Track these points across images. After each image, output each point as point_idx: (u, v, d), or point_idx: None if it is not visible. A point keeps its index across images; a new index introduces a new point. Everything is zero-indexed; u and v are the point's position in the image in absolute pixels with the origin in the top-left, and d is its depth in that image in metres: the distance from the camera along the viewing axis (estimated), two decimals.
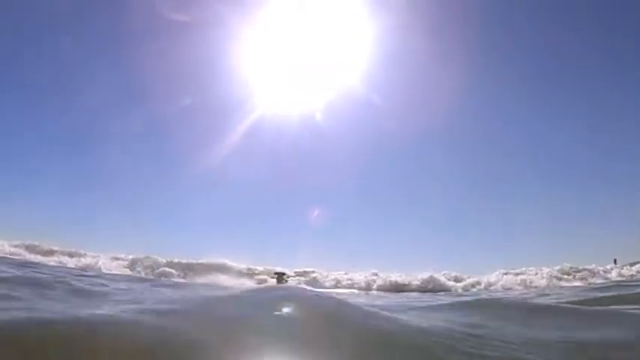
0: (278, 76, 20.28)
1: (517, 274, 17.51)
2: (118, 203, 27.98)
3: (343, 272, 19.25)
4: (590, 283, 15.64)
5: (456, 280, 18.00)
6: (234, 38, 20.11)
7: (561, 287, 14.55)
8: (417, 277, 17.83)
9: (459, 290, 16.10)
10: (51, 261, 16.35)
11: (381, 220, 29.41)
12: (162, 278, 15.77)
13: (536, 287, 15.98)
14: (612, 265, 19.36)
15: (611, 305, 5.44)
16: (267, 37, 19.59)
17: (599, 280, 17.00)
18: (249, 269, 20.31)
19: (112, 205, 27.12)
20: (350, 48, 19.77)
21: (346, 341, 2.61)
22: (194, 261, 19.34)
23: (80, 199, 27.11)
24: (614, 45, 24.14)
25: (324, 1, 19.21)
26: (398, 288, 16.74)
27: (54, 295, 5.00)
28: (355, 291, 16.61)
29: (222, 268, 18.57)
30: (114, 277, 11.11)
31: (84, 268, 14.80)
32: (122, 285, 8.13)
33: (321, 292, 5.05)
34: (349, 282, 18.07)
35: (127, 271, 17.56)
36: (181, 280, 16.47)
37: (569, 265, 18.09)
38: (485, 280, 17.04)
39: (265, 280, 18.87)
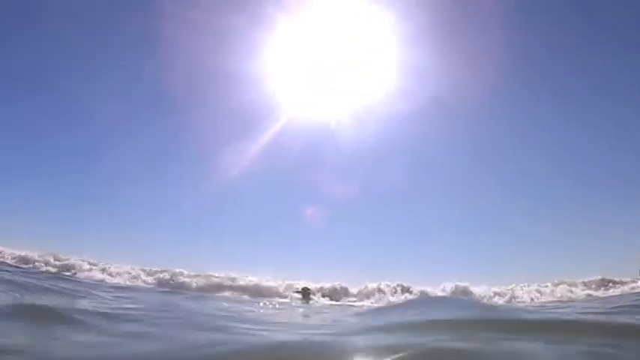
0: (304, 84, 20.41)
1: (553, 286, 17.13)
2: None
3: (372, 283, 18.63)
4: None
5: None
6: (259, 45, 20.41)
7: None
8: (445, 288, 17.51)
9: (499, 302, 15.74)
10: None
11: (403, 231, 28.67)
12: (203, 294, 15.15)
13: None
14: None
15: None
16: (290, 44, 19.96)
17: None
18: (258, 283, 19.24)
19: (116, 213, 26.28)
20: (373, 53, 20.05)
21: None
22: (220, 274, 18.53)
23: (94, 208, 26.23)
24: None
25: (349, 9, 19.48)
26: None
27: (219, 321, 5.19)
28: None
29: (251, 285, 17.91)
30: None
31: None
32: (246, 307, 9.29)
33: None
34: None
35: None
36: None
37: (599, 276, 17.90)
38: (522, 293, 16.66)
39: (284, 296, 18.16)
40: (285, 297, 17.39)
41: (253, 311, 8.60)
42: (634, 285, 17.87)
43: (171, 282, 17.73)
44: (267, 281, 18.35)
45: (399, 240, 28.62)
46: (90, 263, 18.36)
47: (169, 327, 4.39)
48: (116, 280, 16.95)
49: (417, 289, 17.82)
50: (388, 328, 4.00)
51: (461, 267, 24.69)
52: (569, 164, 26.14)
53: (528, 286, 18.15)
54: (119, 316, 5.08)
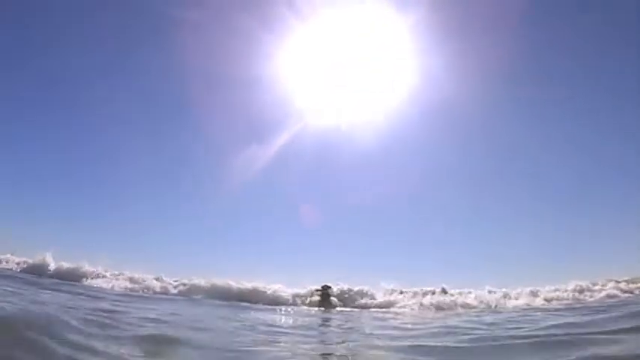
0: (318, 87, 20.08)
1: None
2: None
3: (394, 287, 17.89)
4: None
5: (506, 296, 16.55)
6: (273, 49, 20.45)
7: None
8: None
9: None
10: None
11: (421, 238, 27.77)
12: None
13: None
14: None
15: None
16: (304, 48, 20.11)
17: None
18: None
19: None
20: (387, 56, 20.19)
21: None
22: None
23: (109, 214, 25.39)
24: None
25: (363, 13, 19.40)
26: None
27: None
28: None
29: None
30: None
31: None
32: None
33: None
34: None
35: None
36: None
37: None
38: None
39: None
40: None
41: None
42: None
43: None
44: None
45: (415, 243, 27.61)
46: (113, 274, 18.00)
47: None
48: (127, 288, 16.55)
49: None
50: None
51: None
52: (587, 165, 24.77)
53: None
54: None
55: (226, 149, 25.51)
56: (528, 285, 16.66)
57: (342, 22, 19.97)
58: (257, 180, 25.14)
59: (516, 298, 15.29)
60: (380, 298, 16.99)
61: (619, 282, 16.04)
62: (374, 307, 16.22)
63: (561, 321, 7.51)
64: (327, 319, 11.01)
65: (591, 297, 14.95)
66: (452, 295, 16.31)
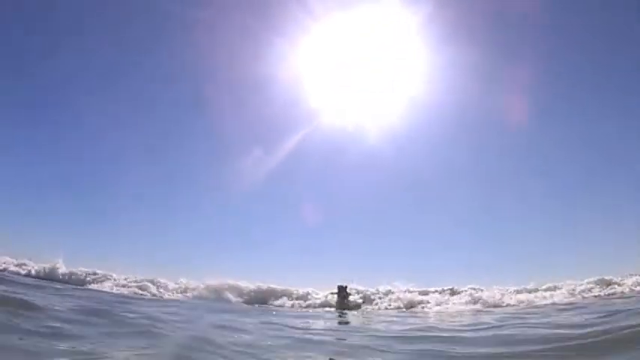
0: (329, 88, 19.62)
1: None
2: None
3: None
4: None
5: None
6: (285, 50, 19.89)
7: None
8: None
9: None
10: None
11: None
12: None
13: None
14: None
15: None
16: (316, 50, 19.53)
17: None
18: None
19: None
20: (400, 58, 19.80)
21: None
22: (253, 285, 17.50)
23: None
24: None
25: (377, 14, 19.07)
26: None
27: None
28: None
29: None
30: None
31: None
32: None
33: None
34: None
35: None
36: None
37: None
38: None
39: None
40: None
41: None
42: None
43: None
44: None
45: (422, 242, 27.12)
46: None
47: None
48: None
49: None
50: None
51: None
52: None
53: None
54: None
55: (237, 150, 24.99)
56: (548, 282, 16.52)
57: (353, 22, 19.41)
58: (269, 181, 24.63)
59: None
60: (403, 298, 16.50)
61: None
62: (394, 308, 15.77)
63: None
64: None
65: None
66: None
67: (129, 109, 25.26)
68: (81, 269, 18.18)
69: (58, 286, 13.89)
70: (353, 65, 20.60)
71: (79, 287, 15.88)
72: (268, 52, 20.55)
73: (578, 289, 15.11)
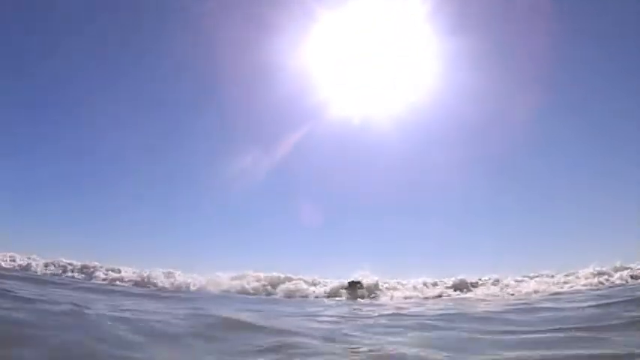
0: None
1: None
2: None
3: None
4: None
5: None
6: (291, 42, 20.36)
7: None
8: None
9: None
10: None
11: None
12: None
13: None
14: None
15: None
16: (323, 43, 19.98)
17: None
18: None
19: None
20: (408, 52, 20.08)
21: None
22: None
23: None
24: None
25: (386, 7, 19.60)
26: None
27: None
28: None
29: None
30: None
31: None
32: None
33: None
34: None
35: None
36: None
37: None
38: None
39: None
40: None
41: None
42: None
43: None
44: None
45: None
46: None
47: None
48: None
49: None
50: None
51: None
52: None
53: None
54: None
55: (243, 146, 24.87)
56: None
57: (359, 13, 19.84)
58: (269, 178, 24.44)
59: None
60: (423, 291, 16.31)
61: None
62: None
63: None
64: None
65: None
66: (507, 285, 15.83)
67: (129, 108, 24.94)
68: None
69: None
70: (360, 57, 20.66)
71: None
72: (274, 45, 20.49)
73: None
